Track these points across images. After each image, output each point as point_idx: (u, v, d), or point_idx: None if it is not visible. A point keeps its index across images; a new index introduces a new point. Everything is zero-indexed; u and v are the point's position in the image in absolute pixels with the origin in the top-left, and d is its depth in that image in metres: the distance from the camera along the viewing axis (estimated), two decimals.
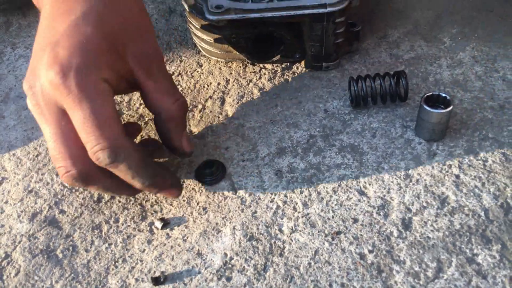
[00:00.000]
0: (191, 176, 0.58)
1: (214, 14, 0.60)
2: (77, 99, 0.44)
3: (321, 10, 0.60)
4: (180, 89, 0.67)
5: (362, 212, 0.53)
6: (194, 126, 0.64)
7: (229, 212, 0.54)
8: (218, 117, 0.64)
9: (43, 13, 0.50)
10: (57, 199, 0.57)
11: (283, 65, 0.69)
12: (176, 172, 0.59)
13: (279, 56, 0.66)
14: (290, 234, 0.52)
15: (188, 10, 0.64)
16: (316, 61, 0.66)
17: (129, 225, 0.54)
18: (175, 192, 0.54)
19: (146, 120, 0.65)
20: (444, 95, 0.57)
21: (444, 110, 0.56)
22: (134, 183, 0.49)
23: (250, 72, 0.69)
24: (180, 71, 0.71)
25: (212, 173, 0.57)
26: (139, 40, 0.51)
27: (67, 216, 0.56)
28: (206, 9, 0.60)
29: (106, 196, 0.57)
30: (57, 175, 0.60)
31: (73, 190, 0.58)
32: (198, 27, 0.65)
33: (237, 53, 0.65)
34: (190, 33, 0.74)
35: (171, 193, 0.53)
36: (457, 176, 0.55)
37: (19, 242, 0.54)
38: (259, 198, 0.55)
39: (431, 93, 0.57)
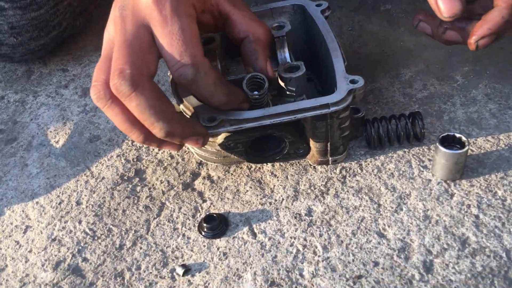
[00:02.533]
0: (194, 229, 0.58)
1: (208, 128, 0.54)
2: (169, 15, 0.48)
3: (324, 111, 0.55)
4: None
5: (382, 255, 0.53)
6: (212, 170, 0.65)
7: (250, 257, 0.55)
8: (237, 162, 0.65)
9: None
10: (80, 247, 0.58)
11: None
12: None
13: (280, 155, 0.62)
14: (311, 279, 0.52)
15: None
16: (323, 156, 0.62)
17: (151, 272, 0.55)
18: (246, 106, 0.56)
19: (165, 165, 0.66)
20: (459, 135, 0.57)
21: (460, 151, 0.56)
22: (212, 100, 0.53)
23: None
24: None
25: (212, 228, 0.57)
26: None
27: (90, 264, 0.57)
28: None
29: (128, 243, 0.58)
30: (79, 222, 0.61)
31: (96, 238, 0.59)
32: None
33: (235, 156, 0.61)
34: None
35: (243, 107, 0.55)
36: (477, 216, 0.55)
37: None
38: (279, 242, 0.56)
39: (446, 134, 0.57)
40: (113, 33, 0.51)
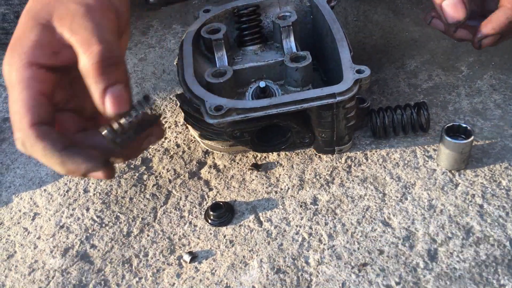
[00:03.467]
0: (201, 217, 0.59)
1: (214, 117, 0.54)
2: (8, 88, 0.47)
3: (330, 101, 0.55)
4: None
5: (387, 243, 0.54)
6: (218, 159, 0.65)
7: (256, 244, 0.56)
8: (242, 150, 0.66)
9: None
10: (88, 234, 0.59)
11: None
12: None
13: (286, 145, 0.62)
14: (317, 266, 0.53)
15: (184, 116, 0.62)
16: (328, 146, 0.62)
17: (158, 259, 0.56)
18: (97, 175, 0.48)
19: (172, 154, 0.67)
20: (464, 125, 0.58)
21: (465, 141, 0.56)
22: (53, 168, 0.48)
23: None
24: None
25: (219, 216, 0.58)
26: (66, 2, 0.48)
27: (98, 250, 0.57)
28: (204, 112, 0.55)
29: (135, 230, 0.59)
30: (87, 210, 0.62)
31: (103, 225, 0.60)
32: (197, 133, 0.63)
33: (241, 146, 0.62)
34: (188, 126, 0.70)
35: (96, 176, 0.48)
36: (481, 206, 0.56)
37: (53, 277, 0.55)
38: (285, 231, 0.56)
39: (451, 124, 0.58)
40: None
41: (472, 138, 0.57)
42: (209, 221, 0.58)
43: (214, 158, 0.65)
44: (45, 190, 0.65)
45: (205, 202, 0.61)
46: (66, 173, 0.48)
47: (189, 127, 0.65)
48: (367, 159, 0.62)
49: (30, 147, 0.46)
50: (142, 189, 0.63)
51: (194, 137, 0.68)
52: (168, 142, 0.68)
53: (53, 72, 0.47)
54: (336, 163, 0.62)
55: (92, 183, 0.65)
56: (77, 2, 0.47)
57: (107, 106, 0.45)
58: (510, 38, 0.59)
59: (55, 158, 0.46)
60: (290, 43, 0.65)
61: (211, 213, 0.58)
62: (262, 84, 0.60)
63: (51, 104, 0.47)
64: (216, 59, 0.64)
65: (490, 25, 0.56)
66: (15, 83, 0.46)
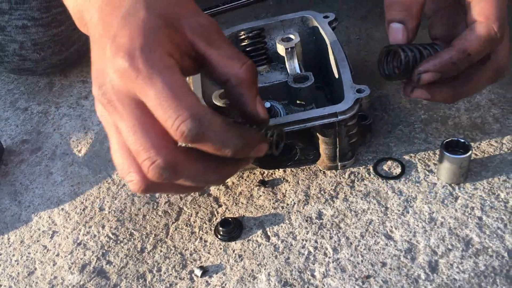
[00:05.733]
0: (211, 232, 0.61)
1: None
2: (147, 77, 0.42)
3: (332, 120, 0.57)
4: None
5: (390, 256, 0.56)
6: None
7: (264, 258, 0.58)
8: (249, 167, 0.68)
9: (91, 23, 0.49)
10: (104, 251, 0.62)
11: None
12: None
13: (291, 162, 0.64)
14: (322, 279, 0.55)
15: None
16: (332, 162, 0.65)
17: (171, 274, 0.58)
18: (264, 146, 0.49)
19: None
20: (463, 140, 0.60)
21: (463, 155, 0.59)
22: (225, 150, 0.45)
23: None
24: None
25: (228, 232, 0.61)
26: (192, 13, 0.49)
27: (114, 266, 0.60)
28: None
29: (149, 246, 0.61)
30: (103, 227, 0.65)
31: (118, 242, 0.63)
32: None
33: None
34: None
35: (261, 148, 0.49)
36: (480, 218, 0.58)
37: None
38: (291, 245, 0.59)
39: (450, 139, 0.60)
40: (109, 117, 0.47)
41: (470, 152, 0.59)
42: (219, 236, 0.61)
43: None
44: (62, 209, 0.68)
45: (214, 218, 0.63)
46: (241, 147, 0.46)
47: None
48: (369, 174, 0.65)
49: (208, 122, 0.43)
50: (155, 207, 0.66)
51: None
52: None
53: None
54: (340, 179, 0.65)
55: (107, 202, 0.68)
56: (205, 17, 0.49)
57: (260, 111, 0.50)
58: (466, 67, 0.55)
59: (234, 129, 0.45)
60: (293, 64, 0.68)
61: (221, 228, 0.61)
62: (267, 104, 0.63)
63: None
64: None
65: (432, 61, 0.53)
66: (163, 67, 0.43)
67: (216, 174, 0.48)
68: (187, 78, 0.67)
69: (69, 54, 0.86)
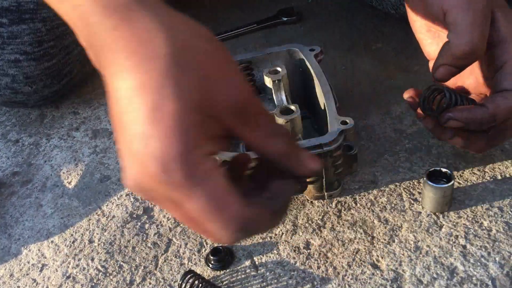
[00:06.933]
0: (200, 263, 0.62)
1: None
2: (186, 191, 0.39)
3: (317, 151, 0.59)
4: None
5: (376, 285, 0.57)
6: None
7: None
8: None
9: (113, 82, 0.41)
10: (93, 284, 0.62)
11: None
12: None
13: None
14: None
15: None
16: (319, 192, 0.66)
17: None
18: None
19: None
20: (445, 170, 0.61)
21: (446, 185, 0.60)
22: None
23: None
24: None
25: (219, 260, 0.61)
26: (224, 87, 0.42)
27: None
28: None
29: (138, 279, 0.62)
30: (92, 260, 0.65)
31: (107, 274, 0.63)
32: None
33: None
34: None
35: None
36: (464, 247, 0.59)
37: None
38: (279, 275, 0.59)
39: (433, 169, 0.62)
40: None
41: (452, 182, 0.60)
42: (210, 265, 0.61)
43: None
44: (52, 241, 0.68)
45: (203, 249, 0.64)
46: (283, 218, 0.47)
47: None
48: (356, 203, 0.66)
49: (255, 225, 0.42)
50: (144, 238, 0.67)
51: None
52: None
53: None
54: (327, 208, 0.66)
55: (97, 234, 0.68)
56: (238, 86, 0.43)
57: (311, 166, 0.45)
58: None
59: (283, 207, 0.44)
60: (281, 96, 0.70)
61: (212, 257, 0.61)
62: None
63: None
64: None
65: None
66: (202, 177, 0.39)
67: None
68: None
69: (60, 87, 0.87)
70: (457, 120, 0.58)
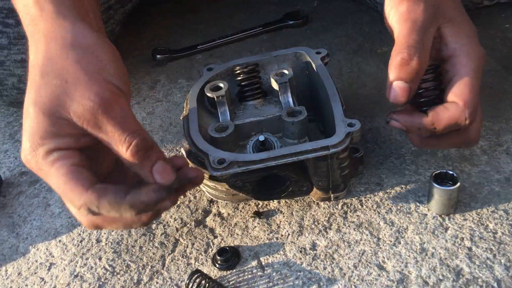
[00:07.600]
0: (207, 263, 0.62)
1: (217, 170, 0.58)
2: (42, 176, 0.51)
3: (324, 153, 0.59)
4: None
5: (382, 286, 0.57)
6: (222, 207, 0.69)
7: None
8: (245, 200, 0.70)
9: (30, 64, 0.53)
10: (101, 283, 0.63)
11: None
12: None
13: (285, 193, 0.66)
14: None
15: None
16: (325, 193, 0.66)
17: None
18: (171, 201, 0.52)
19: (179, 203, 0.71)
20: (451, 172, 0.62)
21: (452, 187, 0.60)
22: (126, 215, 0.51)
23: None
24: None
25: (226, 260, 0.62)
26: (78, 96, 0.50)
27: None
28: (208, 165, 0.59)
29: (145, 278, 0.62)
30: (100, 259, 0.65)
31: (115, 273, 0.63)
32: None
33: (243, 194, 0.66)
34: None
35: (166, 206, 0.53)
36: (470, 249, 0.59)
37: None
38: (286, 276, 0.60)
39: (439, 171, 0.62)
40: None
41: (458, 184, 0.61)
42: (217, 265, 0.62)
43: (218, 206, 0.70)
44: (60, 240, 0.69)
45: (210, 250, 0.64)
46: (138, 213, 0.50)
47: None
48: (362, 205, 0.66)
49: (97, 208, 0.49)
50: (151, 238, 0.67)
51: (199, 187, 0.72)
52: None
53: (76, 150, 0.51)
54: (333, 210, 0.66)
55: (104, 233, 0.69)
56: (88, 98, 0.50)
57: (157, 179, 0.51)
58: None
59: (124, 205, 0.49)
60: (287, 98, 0.71)
61: (218, 257, 0.62)
62: (261, 138, 0.65)
63: (90, 169, 0.51)
64: (219, 114, 0.69)
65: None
66: (47, 169, 0.50)
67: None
68: (184, 105, 0.69)
69: None
70: (398, 122, 0.60)
